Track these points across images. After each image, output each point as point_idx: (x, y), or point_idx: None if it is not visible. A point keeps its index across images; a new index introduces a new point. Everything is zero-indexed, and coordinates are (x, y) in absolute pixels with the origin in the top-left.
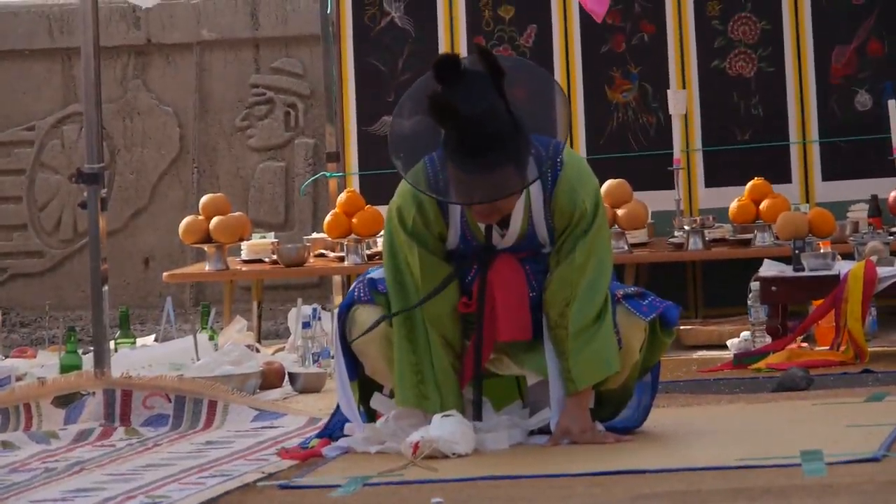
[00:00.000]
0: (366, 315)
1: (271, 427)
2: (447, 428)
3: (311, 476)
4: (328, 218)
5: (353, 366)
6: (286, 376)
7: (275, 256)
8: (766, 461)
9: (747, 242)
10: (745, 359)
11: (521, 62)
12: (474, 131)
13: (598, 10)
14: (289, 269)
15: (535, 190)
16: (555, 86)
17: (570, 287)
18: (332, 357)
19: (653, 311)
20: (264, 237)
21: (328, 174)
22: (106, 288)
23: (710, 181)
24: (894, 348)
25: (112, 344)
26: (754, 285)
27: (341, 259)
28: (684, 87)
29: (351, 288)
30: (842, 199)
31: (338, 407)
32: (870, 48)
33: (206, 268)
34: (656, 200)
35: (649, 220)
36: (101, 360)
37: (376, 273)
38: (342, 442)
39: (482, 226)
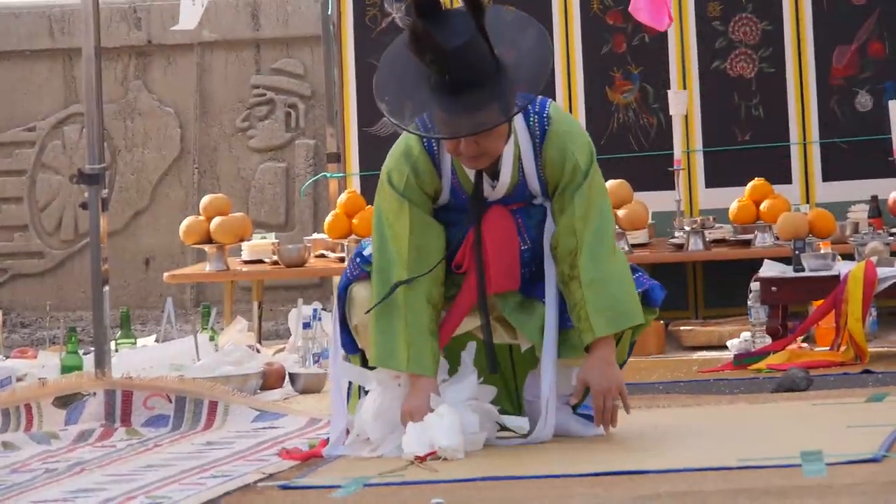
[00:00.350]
0: (363, 291)
1: (272, 428)
2: (454, 438)
3: (311, 476)
4: (329, 218)
5: (354, 342)
6: (287, 377)
7: (275, 257)
8: (767, 462)
9: (748, 243)
10: (745, 359)
11: (515, 19)
12: (455, 65)
13: (658, 20)
14: (289, 269)
15: (525, 143)
16: (545, 47)
17: (574, 237)
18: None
19: (638, 287)
20: (265, 238)
21: (329, 175)
22: (107, 288)
23: (711, 182)
24: (895, 349)
25: (113, 344)
26: (754, 286)
27: (342, 260)
28: (685, 88)
29: (346, 268)
30: (842, 199)
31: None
32: (870, 49)
33: (207, 268)
34: (657, 201)
35: (650, 221)
36: (102, 361)
37: (367, 250)
38: (339, 443)
39: (472, 177)
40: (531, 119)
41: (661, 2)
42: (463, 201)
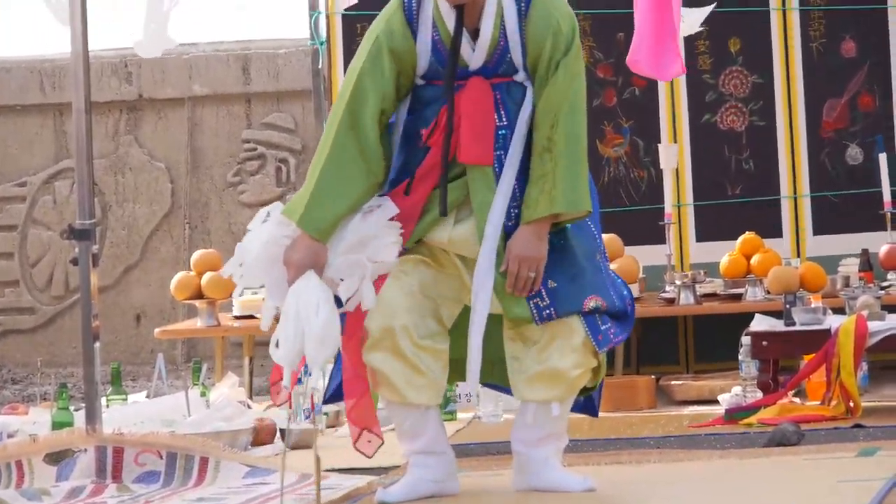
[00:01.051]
0: None
1: (263, 483)
2: (326, 349)
3: None
4: None
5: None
6: (278, 432)
7: None
8: None
9: (738, 297)
10: (736, 414)
11: None
12: None
13: (664, 71)
14: None
15: (510, 6)
16: None
17: (554, 110)
18: (325, 413)
19: (619, 303)
20: (256, 293)
21: None
22: (97, 344)
23: (702, 236)
24: (885, 403)
25: (104, 400)
26: (745, 340)
27: None
28: (675, 142)
29: None
30: (833, 253)
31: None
32: (861, 102)
33: (198, 324)
34: (648, 255)
35: (641, 275)
36: (93, 417)
37: None
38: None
39: (451, 28)
40: None
41: (672, 51)
42: (444, 62)
